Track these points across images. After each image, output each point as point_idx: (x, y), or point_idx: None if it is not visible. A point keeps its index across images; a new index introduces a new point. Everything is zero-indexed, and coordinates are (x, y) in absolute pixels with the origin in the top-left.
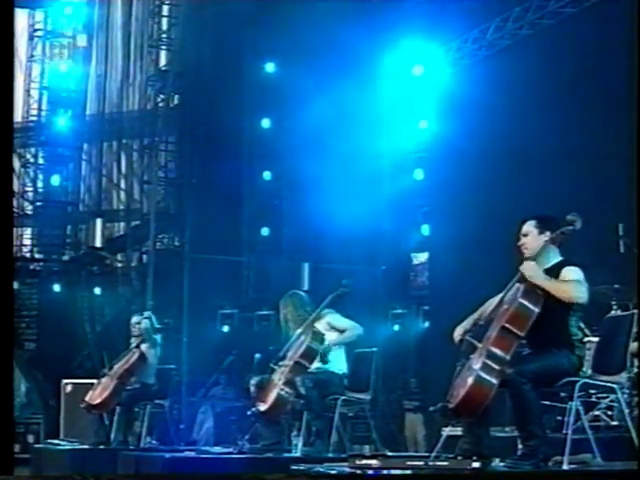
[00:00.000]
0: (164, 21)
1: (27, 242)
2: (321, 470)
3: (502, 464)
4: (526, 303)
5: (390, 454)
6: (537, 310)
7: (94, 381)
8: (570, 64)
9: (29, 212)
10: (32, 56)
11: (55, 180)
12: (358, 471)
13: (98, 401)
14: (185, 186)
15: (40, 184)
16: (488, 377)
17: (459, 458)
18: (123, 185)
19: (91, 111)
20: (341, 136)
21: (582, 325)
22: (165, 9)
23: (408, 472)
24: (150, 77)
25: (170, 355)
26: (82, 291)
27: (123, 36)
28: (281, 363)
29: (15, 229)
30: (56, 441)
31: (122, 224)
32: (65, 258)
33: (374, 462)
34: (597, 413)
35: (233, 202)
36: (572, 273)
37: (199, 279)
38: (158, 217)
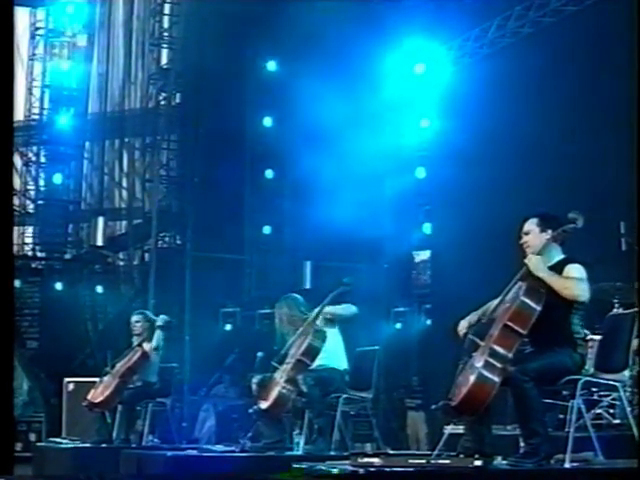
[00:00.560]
0: (165, 19)
1: (29, 241)
2: (323, 468)
3: (504, 462)
4: (528, 301)
5: (392, 452)
6: (539, 308)
7: (96, 379)
8: (572, 62)
9: (31, 211)
10: (34, 55)
11: (57, 178)
12: (360, 469)
13: (100, 399)
14: (187, 184)
15: (42, 182)
16: (490, 375)
17: (461, 456)
18: (125, 183)
19: (93, 109)
20: (343, 135)
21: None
22: (167, 7)
23: (410, 470)
24: (152, 75)
25: (172, 353)
26: (84, 289)
27: (125, 34)
28: (281, 355)
29: (17, 228)
30: (58, 439)
31: (124, 222)
32: (67, 257)
33: (376, 460)
34: (599, 411)
35: (235, 200)
36: (575, 271)
37: (201, 277)
38: (160, 215)
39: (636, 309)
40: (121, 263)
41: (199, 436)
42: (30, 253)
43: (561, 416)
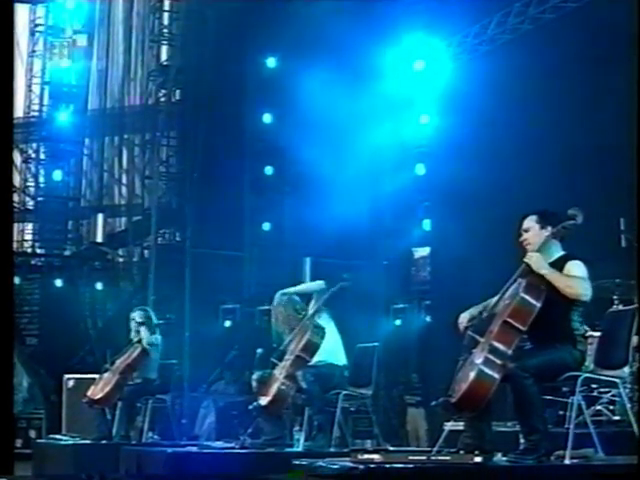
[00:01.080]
0: (165, 16)
1: (28, 237)
2: (323, 465)
3: (504, 459)
4: (528, 298)
5: (392, 449)
6: (539, 305)
7: (96, 376)
8: (572, 59)
9: (30, 207)
10: (33, 51)
11: (56, 175)
12: (360, 466)
13: (100, 396)
14: (187, 181)
15: (41, 179)
16: (490, 372)
17: (461, 453)
18: (124, 180)
19: (92, 106)
20: (342, 131)
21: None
22: (166, 4)
23: (410, 467)
24: (151, 72)
25: (172, 350)
26: (84, 286)
27: (124, 31)
28: (281, 352)
29: (16, 224)
30: (58, 436)
31: (123, 219)
32: (67, 253)
33: (376, 457)
34: (599, 408)
35: (235, 197)
36: (577, 268)
37: (201, 274)
38: (159, 212)
39: (636, 305)
40: (121, 260)
41: (199, 433)
42: (30, 250)
43: (561, 412)
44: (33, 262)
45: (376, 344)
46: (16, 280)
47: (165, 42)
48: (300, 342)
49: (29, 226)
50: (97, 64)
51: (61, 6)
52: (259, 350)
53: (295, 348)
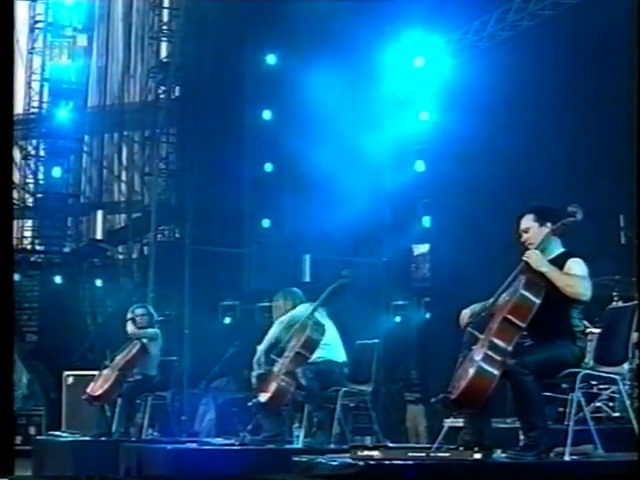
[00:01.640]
0: (165, 13)
1: (28, 234)
2: (322, 461)
3: (504, 455)
4: (527, 294)
5: (391, 445)
6: (538, 301)
7: (95, 373)
8: (571, 55)
9: (30, 204)
10: (33, 48)
11: (56, 172)
12: (360, 462)
13: (99, 393)
14: (186, 178)
15: (41, 176)
16: (490, 368)
17: (461, 449)
18: (124, 177)
19: (92, 103)
20: (342, 128)
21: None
22: (166, 1)
23: (410, 463)
24: (151, 69)
25: (172, 347)
26: (83, 283)
27: (124, 28)
28: (281, 352)
29: (16, 221)
30: (58, 433)
31: (123, 216)
32: (66, 250)
33: (376, 453)
34: (599, 404)
35: (234, 194)
36: (577, 267)
37: (200, 271)
38: (159, 209)
39: (635, 302)
40: (120, 257)
41: (199, 429)
42: (29, 247)
43: (560, 409)
44: (33, 259)
45: (376, 341)
46: (16, 277)
47: (165, 39)
48: (300, 339)
49: (29, 223)
50: (97, 61)
51: (61, 3)
52: (259, 347)
53: (295, 345)
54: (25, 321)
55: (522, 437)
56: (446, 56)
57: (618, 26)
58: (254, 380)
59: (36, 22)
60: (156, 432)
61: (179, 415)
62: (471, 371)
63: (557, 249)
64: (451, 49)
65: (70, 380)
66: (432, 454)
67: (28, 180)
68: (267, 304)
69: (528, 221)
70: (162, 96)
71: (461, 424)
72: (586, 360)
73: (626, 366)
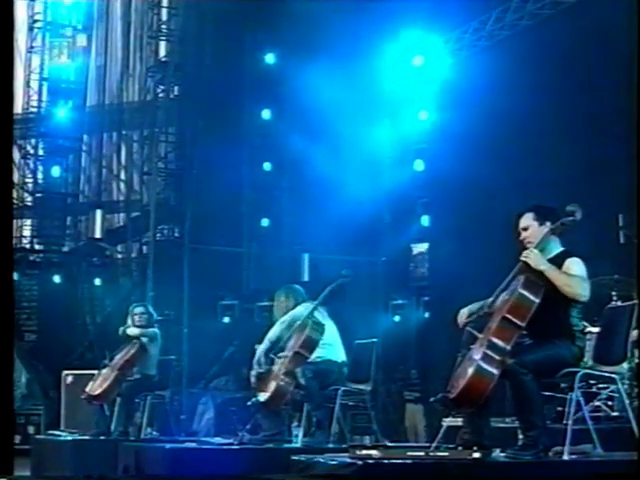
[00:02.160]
0: (164, 12)
1: (27, 233)
2: (321, 461)
3: (503, 454)
4: (526, 294)
5: (390, 444)
6: (537, 301)
7: (95, 372)
8: (570, 54)
9: (29, 203)
10: (32, 47)
11: (55, 171)
12: (359, 461)
13: (98, 392)
14: (185, 177)
15: (40, 175)
16: (489, 367)
17: (460, 449)
18: (123, 176)
19: (91, 102)
20: (341, 127)
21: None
22: (165, 0)
23: (409, 462)
24: (150, 68)
25: (171, 346)
26: (82, 282)
27: (123, 27)
28: (281, 354)
29: (15, 220)
30: (57, 432)
31: (122, 215)
32: (65, 249)
33: (375, 452)
34: (597, 404)
35: (233, 193)
36: (576, 266)
37: (199, 270)
38: (158, 208)
39: (635, 301)
40: (119, 256)
41: (198, 429)
42: (28, 246)
43: (559, 408)
44: (32, 258)
45: (374, 340)
46: (15, 276)
47: (163, 38)
48: (299, 338)
49: (27, 222)
50: (95, 60)
51: (60, 2)
52: (258, 346)
53: (294, 344)
54: (24, 320)
55: (521, 436)
56: (445, 55)
57: (617, 25)
58: (253, 379)
59: (35, 21)
60: (155, 431)
61: (178, 414)
62: (470, 370)
63: (556, 248)
64: (450, 48)
65: (69, 379)
66: (431, 453)
67: (27, 179)
68: (266, 303)
69: (527, 220)
70: (161, 95)
71: (460, 423)
72: (585, 359)
73: (625, 365)
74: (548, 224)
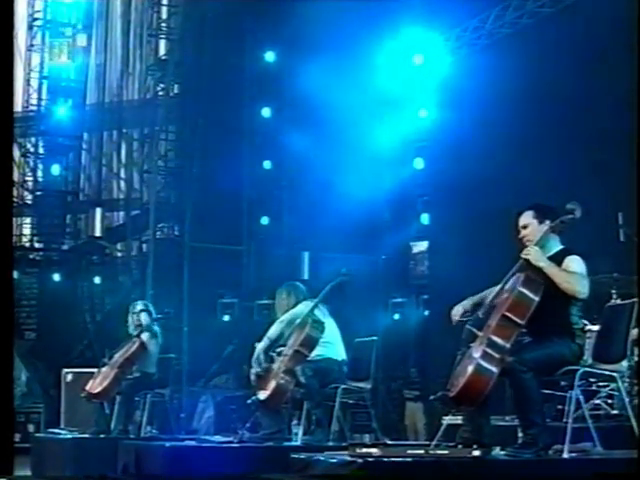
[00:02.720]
0: (164, 10)
1: (27, 231)
2: (321, 459)
3: (502, 453)
4: (526, 292)
5: (390, 443)
6: (537, 299)
7: (94, 370)
8: (570, 52)
9: (29, 202)
10: (32, 45)
11: (55, 169)
12: (359, 460)
13: (98, 390)
14: (185, 175)
15: (40, 173)
16: (488, 366)
17: (459, 447)
18: (123, 174)
19: (91, 100)
20: (341, 125)
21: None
22: None
23: (408, 460)
24: (150, 66)
25: (171, 344)
26: (82, 280)
27: (122, 25)
28: (280, 350)
29: (15, 218)
30: (56, 430)
31: (122, 213)
32: (65, 247)
33: (374, 451)
34: (597, 402)
35: (233, 191)
36: (575, 264)
37: (199, 268)
38: (158, 206)
39: (635, 300)
40: (119, 254)
41: (197, 427)
42: (28, 244)
43: (559, 407)
44: (31, 256)
45: (374, 338)
46: (14, 274)
47: (163, 36)
48: (299, 337)
49: (27, 220)
50: (95, 58)
51: (59, 0)
52: (257, 344)
53: (294, 343)
54: (24, 319)
55: (521, 434)
56: (445, 54)
57: (618, 23)
58: (253, 378)
59: (35, 19)
60: (155, 429)
61: (178, 413)
62: (470, 369)
63: (556, 246)
64: (450, 47)
65: (69, 377)
66: (431, 451)
67: (27, 178)
68: (266, 302)
69: (527, 218)
70: (161, 93)
71: (460, 421)
72: (585, 357)
73: (625, 364)
74: (548, 222)
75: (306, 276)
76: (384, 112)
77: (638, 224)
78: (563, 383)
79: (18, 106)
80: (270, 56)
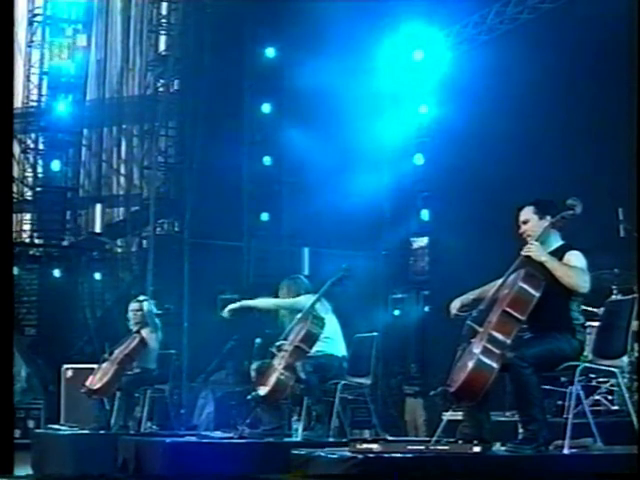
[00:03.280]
0: (164, 6)
1: (27, 228)
2: (321, 455)
3: (503, 448)
4: (526, 287)
5: (390, 438)
6: (537, 294)
7: (94, 366)
8: (570, 48)
9: (29, 198)
10: (31, 41)
11: (55, 165)
12: (359, 455)
13: (98, 386)
14: (185, 171)
15: (40, 170)
16: (489, 361)
17: (460, 442)
18: (123, 170)
19: (91, 96)
20: (341, 121)
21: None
22: None
23: (409, 456)
24: (150, 62)
25: (171, 340)
26: (82, 276)
27: (123, 21)
28: (280, 342)
29: (15, 215)
30: (56, 426)
31: (122, 209)
32: (65, 243)
33: (375, 446)
34: (597, 397)
35: (233, 187)
36: (576, 259)
37: (199, 264)
38: (158, 202)
39: (635, 295)
40: (119, 250)
41: (198, 423)
42: (28, 240)
43: (559, 402)
44: (31, 252)
45: (375, 334)
46: (14, 270)
47: (163, 32)
48: (299, 333)
49: (27, 216)
50: (95, 54)
51: None
52: (258, 340)
53: (294, 339)
54: (24, 314)
55: (521, 430)
56: (445, 49)
57: (618, 19)
58: (253, 373)
59: (35, 15)
60: (155, 425)
61: (178, 408)
62: (470, 364)
63: (556, 242)
64: (450, 42)
65: (69, 373)
66: (431, 447)
67: (27, 174)
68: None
69: (528, 213)
70: (161, 89)
71: (460, 417)
72: (585, 353)
73: (625, 359)
74: (548, 218)
75: (306, 272)
76: (384, 108)
77: (638, 220)
78: (563, 379)
79: (18, 102)
80: (270, 52)
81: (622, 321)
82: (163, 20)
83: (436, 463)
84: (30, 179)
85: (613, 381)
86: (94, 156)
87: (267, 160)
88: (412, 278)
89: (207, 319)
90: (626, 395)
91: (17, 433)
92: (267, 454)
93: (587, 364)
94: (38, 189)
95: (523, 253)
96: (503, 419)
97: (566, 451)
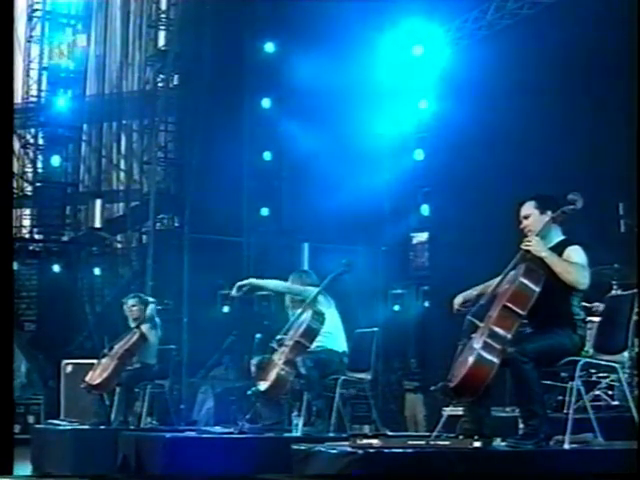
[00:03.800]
0: (163, 1)
1: (27, 223)
2: (322, 450)
3: (503, 444)
4: (527, 282)
5: (390, 434)
6: (538, 289)
7: (94, 361)
8: (570, 43)
9: (29, 193)
10: (31, 36)
11: (55, 161)
12: (359, 451)
13: (98, 381)
14: (185, 166)
15: (40, 165)
16: (489, 356)
17: (460, 438)
18: (123, 166)
19: (91, 91)
20: (341, 116)
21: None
22: None
23: (409, 451)
24: (149, 57)
25: (170, 335)
26: (82, 272)
27: (122, 16)
28: (280, 337)
29: (15, 210)
30: (56, 421)
31: (122, 205)
32: (65, 239)
33: (375, 442)
34: (598, 393)
35: (233, 182)
36: (576, 254)
37: (199, 259)
38: (158, 197)
39: (635, 290)
40: (119, 245)
41: (197, 418)
42: (28, 235)
43: (560, 397)
44: (31, 248)
45: (375, 329)
46: (14, 266)
47: (163, 27)
48: (300, 328)
49: (27, 212)
50: (95, 49)
51: None
52: (258, 335)
53: (294, 334)
54: (24, 310)
55: (522, 425)
56: (445, 44)
57: (619, 13)
58: (253, 368)
59: (34, 10)
60: (155, 421)
61: (178, 404)
62: (470, 359)
63: (557, 237)
64: (450, 37)
65: (69, 369)
66: (431, 442)
67: (27, 169)
68: (265, 293)
69: (529, 208)
70: (160, 84)
71: (460, 412)
72: (586, 348)
73: (626, 354)
74: (549, 213)
75: (306, 267)
76: (384, 103)
77: (639, 215)
78: (564, 374)
79: (18, 97)
80: (270, 47)
81: (622, 316)
82: (162, 15)
83: (436, 458)
84: (30, 174)
85: (614, 376)
86: (94, 151)
87: (267, 155)
88: (412, 273)
89: (207, 314)
90: (627, 390)
91: (17, 428)
92: (267, 449)
93: (588, 359)
94: (38, 184)
95: (523, 247)
96: (503, 414)
97: (567, 446)
